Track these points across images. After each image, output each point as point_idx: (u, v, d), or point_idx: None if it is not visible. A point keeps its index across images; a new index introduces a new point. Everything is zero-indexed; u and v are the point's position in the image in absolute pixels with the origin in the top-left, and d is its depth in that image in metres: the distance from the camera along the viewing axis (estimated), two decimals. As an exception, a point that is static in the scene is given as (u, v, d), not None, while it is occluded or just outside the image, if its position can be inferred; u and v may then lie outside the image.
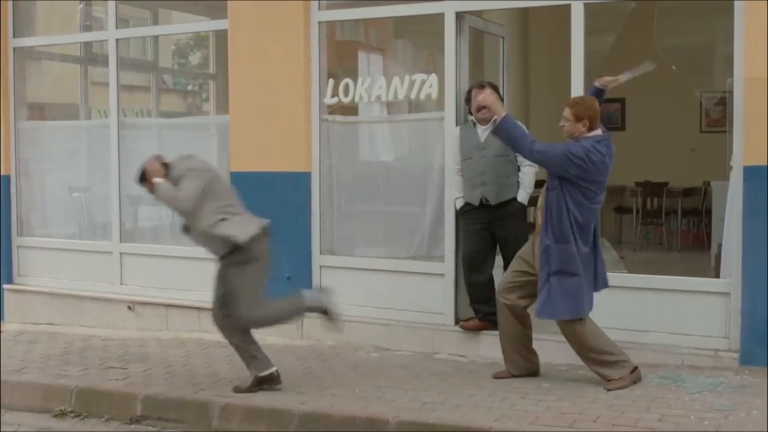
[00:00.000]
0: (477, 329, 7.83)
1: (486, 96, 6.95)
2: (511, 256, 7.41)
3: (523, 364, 6.99)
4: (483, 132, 7.68)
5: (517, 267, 6.90)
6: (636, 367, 6.70)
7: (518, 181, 7.68)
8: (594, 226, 6.63)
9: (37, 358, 8.32)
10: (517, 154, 7.46)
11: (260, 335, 8.61)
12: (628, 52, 7.38)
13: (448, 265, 8.00)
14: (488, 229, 7.72)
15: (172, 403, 6.83)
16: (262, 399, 6.69)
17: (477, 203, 7.73)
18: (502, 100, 7.64)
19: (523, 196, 7.66)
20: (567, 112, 6.53)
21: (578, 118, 6.49)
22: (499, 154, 7.61)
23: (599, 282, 6.72)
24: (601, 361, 6.65)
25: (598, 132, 6.55)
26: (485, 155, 7.68)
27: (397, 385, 6.91)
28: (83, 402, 7.14)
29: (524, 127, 6.88)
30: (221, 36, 10.92)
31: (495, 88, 7.53)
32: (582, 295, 6.55)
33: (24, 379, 7.58)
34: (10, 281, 10.46)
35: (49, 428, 6.87)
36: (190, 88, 19.16)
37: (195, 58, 19.65)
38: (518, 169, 7.69)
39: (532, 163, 7.26)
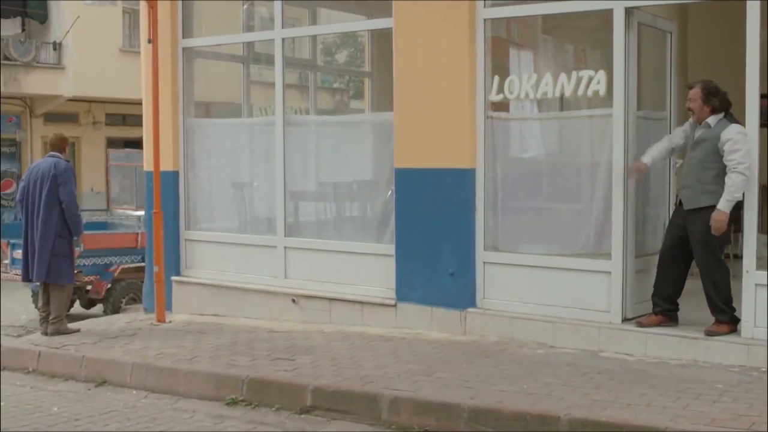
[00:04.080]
0: (654, 324, 7.72)
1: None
2: (698, 259, 7.54)
3: None
4: (696, 132, 7.59)
5: None
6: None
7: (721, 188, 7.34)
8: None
9: (207, 348, 8.59)
10: (725, 160, 7.25)
11: (422, 329, 8.74)
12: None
13: (615, 262, 7.86)
14: (684, 229, 7.60)
15: (342, 395, 6.95)
16: (431, 393, 6.75)
17: (677, 202, 7.73)
18: (716, 99, 7.52)
19: (722, 204, 7.22)
20: None
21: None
22: (702, 160, 7.47)
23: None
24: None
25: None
26: (692, 157, 7.58)
27: (565, 383, 6.87)
28: (254, 391, 7.34)
29: None
30: (377, 34, 11.06)
31: (706, 87, 7.50)
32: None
33: (196, 368, 7.86)
34: (177, 273, 10.76)
35: (222, 415, 7.09)
36: (336, 86, 19.46)
37: (342, 57, 19.92)
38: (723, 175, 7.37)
39: (743, 171, 7.13)
